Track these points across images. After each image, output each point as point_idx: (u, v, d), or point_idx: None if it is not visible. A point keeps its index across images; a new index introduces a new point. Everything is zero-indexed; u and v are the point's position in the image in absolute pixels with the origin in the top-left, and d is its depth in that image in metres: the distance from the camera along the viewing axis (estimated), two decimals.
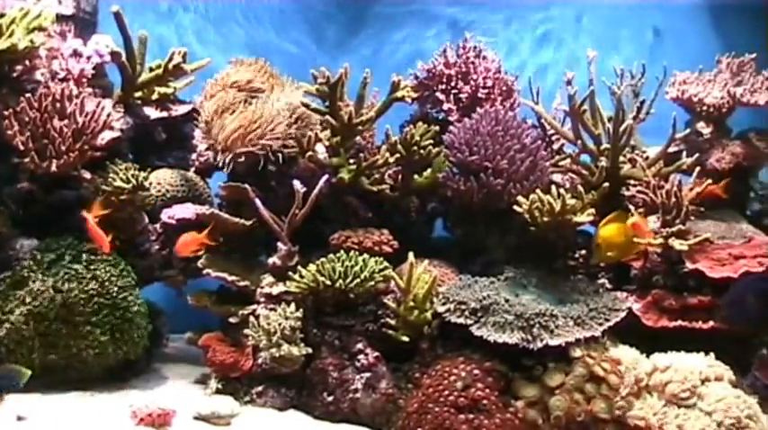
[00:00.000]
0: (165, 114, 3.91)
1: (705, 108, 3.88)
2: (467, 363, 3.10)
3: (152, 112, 3.88)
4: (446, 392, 2.98)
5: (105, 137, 3.53)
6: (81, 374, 3.30)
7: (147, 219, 3.67)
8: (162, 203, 3.69)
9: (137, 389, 3.40)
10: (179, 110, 3.96)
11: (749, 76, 3.92)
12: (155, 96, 3.85)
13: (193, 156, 3.94)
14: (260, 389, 3.32)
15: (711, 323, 3.32)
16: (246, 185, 3.53)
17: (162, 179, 3.76)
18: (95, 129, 3.38)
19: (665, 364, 3.12)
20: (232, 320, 3.46)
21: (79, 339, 3.25)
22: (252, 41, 4.45)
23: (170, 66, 3.76)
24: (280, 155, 3.63)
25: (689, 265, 3.42)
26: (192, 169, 3.93)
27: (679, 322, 3.35)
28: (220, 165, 3.62)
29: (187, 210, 3.58)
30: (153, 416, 2.97)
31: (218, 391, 3.34)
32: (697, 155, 3.72)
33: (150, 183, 3.60)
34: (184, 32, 4.48)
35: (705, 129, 3.88)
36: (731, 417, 2.96)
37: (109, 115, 3.48)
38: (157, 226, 3.68)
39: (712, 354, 3.19)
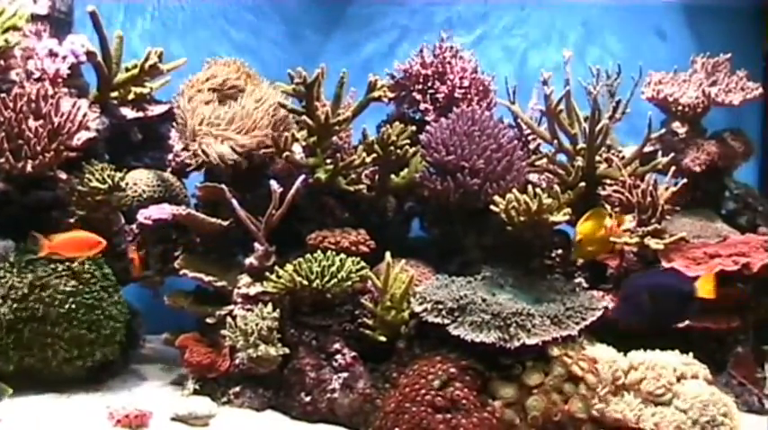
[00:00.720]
0: (141, 114, 3.90)
1: (680, 108, 3.91)
2: (444, 363, 3.10)
3: (128, 113, 3.87)
4: (423, 392, 2.98)
5: (81, 137, 3.51)
6: (57, 376, 3.29)
7: (123, 220, 3.66)
8: (138, 204, 3.68)
9: (113, 390, 3.39)
10: (155, 110, 3.95)
11: (724, 77, 3.95)
12: (131, 96, 3.84)
13: (170, 156, 3.92)
14: (237, 389, 3.32)
15: (687, 321, 3.34)
16: (223, 186, 3.52)
17: (138, 179, 3.75)
18: (71, 129, 3.37)
19: (641, 362, 3.14)
20: (209, 321, 3.45)
21: (56, 339, 3.24)
22: (228, 41, 4.44)
23: (146, 66, 3.75)
24: (256, 155, 3.64)
25: (665, 264, 3.44)
26: (169, 169, 3.91)
27: None
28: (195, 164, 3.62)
29: (163, 211, 3.57)
30: (130, 418, 2.96)
31: (195, 392, 3.33)
32: (672, 154, 3.74)
33: (126, 184, 3.60)
34: (160, 32, 4.45)
35: (680, 128, 3.91)
36: (706, 415, 2.98)
37: (85, 115, 3.47)
38: (134, 226, 3.67)
39: (691, 353, 3.21)
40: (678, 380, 3.10)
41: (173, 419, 3.09)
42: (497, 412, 2.99)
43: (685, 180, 3.62)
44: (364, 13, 4.53)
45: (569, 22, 4.58)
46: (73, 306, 3.26)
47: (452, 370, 3.05)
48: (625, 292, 3.16)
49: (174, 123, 3.78)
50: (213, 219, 3.57)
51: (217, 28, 4.48)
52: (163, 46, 3.82)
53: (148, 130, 3.98)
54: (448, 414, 2.92)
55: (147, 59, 3.74)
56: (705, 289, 2.95)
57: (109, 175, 3.46)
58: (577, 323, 3.22)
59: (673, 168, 3.62)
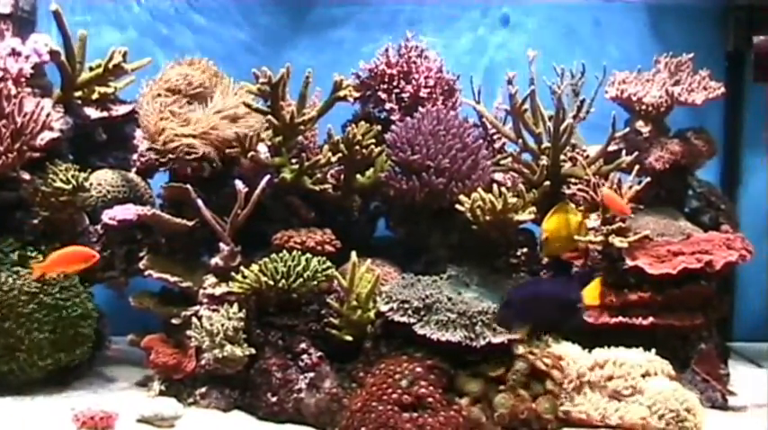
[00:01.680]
0: (105, 114, 3.87)
1: (644, 107, 3.92)
2: (410, 362, 3.11)
3: (92, 112, 3.84)
4: (390, 391, 2.98)
5: (45, 137, 3.48)
6: (21, 378, 3.27)
7: (87, 221, 3.63)
8: (103, 204, 3.65)
9: (78, 393, 3.37)
10: (120, 110, 3.92)
11: (687, 76, 3.97)
12: (95, 96, 3.81)
13: (134, 156, 3.90)
14: (203, 390, 3.30)
15: (651, 319, 3.37)
16: (188, 186, 3.51)
17: (102, 180, 3.72)
18: (34, 129, 3.34)
19: (605, 360, 3.16)
20: (174, 322, 3.44)
21: (19, 341, 3.22)
22: (193, 41, 4.42)
23: (110, 65, 3.73)
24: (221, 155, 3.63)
25: (629, 262, 3.45)
26: (134, 170, 3.89)
27: (619, 318, 3.39)
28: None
29: (128, 211, 3.55)
30: (95, 420, 2.94)
31: (161, 393, 3.31)
32: (636, 153, 3.76)
33: (91, 184, 3.57)
34: (125, 31, 4.43)
35: (644, 127, 3.93)
36: (670, 410, 3.00)
37: (48, 115, 3.44)
38: (98, 227, 3.64)
39: (653, 350, 3.24)
40: (643, 377, 3.13)
41: (138, 421, 3.07)
42: (464, 410, 3.00)
43: (649, 179, 3.64)
44: (330, 12, 4.53)
45: (535, 22, 4.59)
46: (36, 307, 3.25)
47: (419, 369, 3.06)
48: (510, 298, 3.17)
49: (139, 123, 3.76)
50: (178, 220, 3.56)
51: (181, 27, 4.46)
52: (126, 45, 3.80)
53: (113, 130, 3.95)
54: (414, 412, 2.92)
55: (111, 59, 3.72)
56: (591, 296, 2.96)
57: (73, 176, 3.43)
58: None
59: (636, 167, 3.64)
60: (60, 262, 3.22)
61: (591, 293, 3.06)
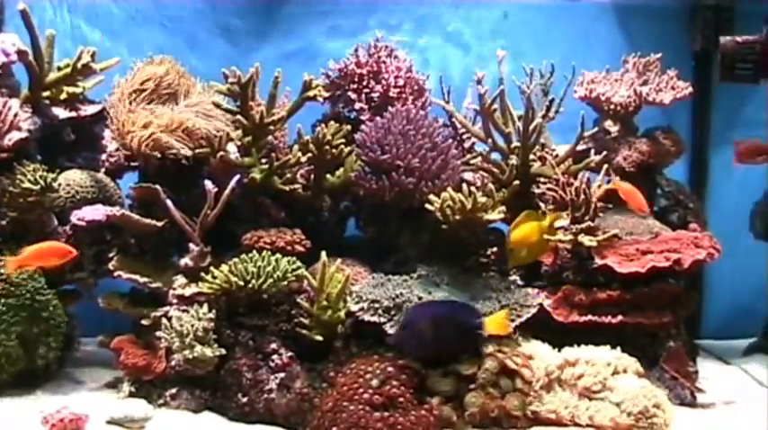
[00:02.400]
0: (74, 114, 3.84)
1: (612, 107, 3.95)
2: (381, 362, 3.11)
3: (61, 112, 3.81)
4: (361, 390, 2.99)
5: (13, 137, 3.46)
6: None
7: (56, 221, 3.61)
8: (71, 205, 3.63)
9: (48, 394, 3.35)
10: (88, 110, 3.89)
11: (655, 76, 4.00)
12: (63, 96, 3.79)
13: (103, 156, 3.88)
14: (173, 391, 3.29)
15: (620, 317, 3.39)
16: (157, 186, 3.50)
17: (71, 180, 3.70)
18: (2, 129, 3.33)
19: (575, 358, 3.18)
20: (144, 322, 3.43)
21: None
22: (162, 41, 4.40)
23: (79, 65, 3.71)
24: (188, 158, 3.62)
25: (598, 261, 3.48)
26: (102, 170, 3.87)
27: (589, 317, 3.41)
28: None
29: (97, 212, 3.53)
30: (65, 422, 2.93)
31: (131, 395, 3.29)
32: (605, 153, 3.78)
33: (59, 185, 3.55)
34: (95, 31, 4.41)
35: (612, 127, 3.96)
36: (639, 407, 3.02)
37: (16, 115, 3.43)
38: (67, 228, 3.62)
39: (618, 347, 3.26)
40: (612, 374, 3.15)
41: (108, 422, 3.05)
42: (435, 409, 3.01)
43: (618, 178, 3.66)
44: (299, 12, 4.52)
45: (503, 22, 4.61)
46: (4, 309, 3.23)
47: (390, 368, 3.06)
48: (408, 318, 3.12)
49: (107, 123, 3.74)
50: (148, 220, 3.54)
51: (149, 27, 4.44)
52: (93, 44, 3.78)
53: (81, 130, 3.92)
54: (386, 412, 2.93)
55: (79, 59, 3.70)
56: (494, 326, 2.95)
57: (41, 176, 3.41)
58: (513, 320, 3.25)
59: (605, 166, 3.66)
60: (37, 256, 3.22)
61: (495, 322, 3.03)
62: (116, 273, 3.47)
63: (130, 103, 3.66)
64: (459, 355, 3.06)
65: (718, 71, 3.06)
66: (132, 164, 3.78)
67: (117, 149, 3.74)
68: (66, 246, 3.29)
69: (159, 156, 3.57)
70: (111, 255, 3.56)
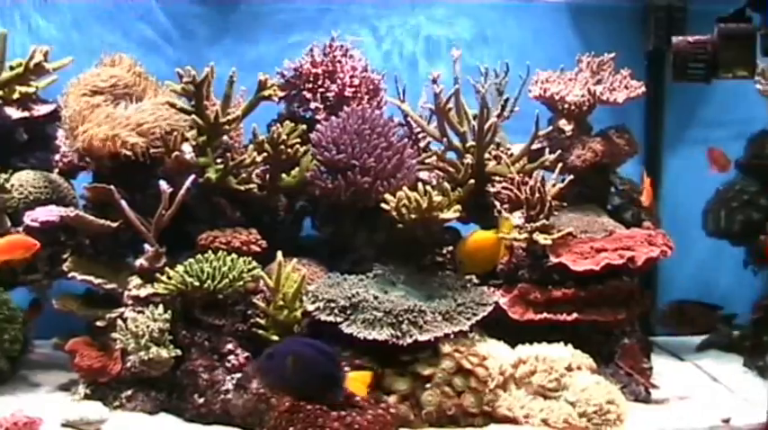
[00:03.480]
0: (26, 114, 3.81)
1: (566, 106, 3.97)
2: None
3: (13, 112, 3.78)
4: None
5: None
6: None
7: (9, 223, 3.58)
8: (24, 206, 3.60)
9: (1, 397, 3.33)
10: (41, 110, 3.87)
11: (608, 75, 4.03)
12: (16, 96, 3.75)
13: (57, 157, 3.85)
14: (129, 393, 3.27)
15: (575, 315, 3.41)
16: (112, 186, 3.48)
17: (24, 181, 3.67)
18: None
19: (530, 356, 3.20)
20: (99, 324, 3.41)
21: None
22: (117, 40, 4.37)
23: (31, 64, 3.68)
24: (146, 155, 3.60)
25: (553, 259, 3.50)
26: (56, 170, 3.84)
27: (544, 315, 3.43)
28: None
29: (51, 213, 3.50)
30: (19, 425, 2.90)
31: (86, 397, 3.27)
32: (559, 152, 3.80)
33: (12, 185, 3.53)
34: (48, 30, 4.37)
35: (567, 126, 3.97)
36: (593, 405, 3.05)
37: None
38: (20, 229, 3.59)
39: (570, 344, 3.29)
40: (567, 371, 3.18)
41: (63, 425, 3.03)
42: (392, 408, 3.02)
43: (572, 176, 3.69)
44: (254, 10, 4.50)
45: (458, 22, 4.62)
46: None
47: (346, 368, 3.06)
48: (272, 351, 3.00)
49: (61, 123, 3.72)
50: (102, 221, 3.52)
51: (103, 25, 4.40)
52: (48, 44, 3.75)
53: (34, 130, 3.89)
54: (342, 411, 2.93)
55: (32, 58, 3.67)
56: (354, 382, 2.92)
57: None
58: (468, 319, 3.27)
59: (560, 165, 3.69)
60: (4, 250, 3.20)
61: (356, 380, 2.99)
62: (70, 275, 3.45)
63: (82, 100, 3.63)
64: (317, 398, 2.93)
65: (670, 71, 3.08)
66: (86, 163, 3.75)
67: (74, 151, 3.71)
68: (30, 239, 3.27)
69: (110, 154, 3.54)
70: (65, 256, 3.53)
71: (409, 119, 3.95)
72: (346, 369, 2.95)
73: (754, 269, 4.14)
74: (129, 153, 3.54)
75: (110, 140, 3.51)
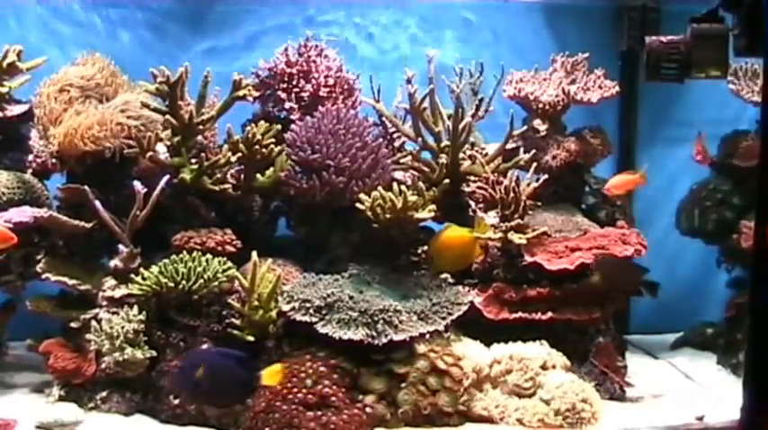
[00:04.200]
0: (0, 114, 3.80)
1: (541, 106, 3.98)
2: (313, 361, 3.12)
3: None
4: (295, 390, 2.99)
5: None
6: None
7: None
8: None
9: None
10: (14, 110, 3.83)
11: (582, 75, 4.05)
12: None
13: (30, 157, 3.83)
14: (104, 394, 3.26)
15: (550, 314, 3.42)
16: (86, 187, 3.47)
17: None
18: None
19: (505, 355, 3.21)
20: (73, 325, 3.39)
21: None
22: (90, 38, 4.35)
23: (4, 64, 3.66)
24: (119, 155, 3.59)
25: (528, 258, 3.51)
26: (29, 171, 3.82)
27: (519, 314, 3.44)
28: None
29: (24, 214, 3.48)
30: None
31: (60, 398, 3.25)
32: (534, 151, 3.82)
33: None
34: (21, 30, 4.34)
35: (541, 126, 3.99)
36: (567, 403, 3.06)
37: None
38: None
39: (544, 342, 3.33)
40: (542, 370, 3.19)
41: (38, 427, 3.03)
42: (368, 407, 3.02)
43: (546, 176, 3.70)
44: (229, 10, 4.49)
45: (432, 21, 4.62)
46: None
47: (322, 368, 3.07)
48: (184, 361, 3.03)
49: (35, 123, 3.70)
50: (76, 222, 3.51)
51: (77, 24, 4.38)
52: (21, 43, 3.73)
53: (7, 131, 3.86)
54: (319, 411, 2.93)
55: (4, 58, 3.65)
56: (269, 377, 2.92)
57: None
58: (444, 318, 3.28)
59: (534, 165, 3.70)
60: None
61: (270, 374, 3.00)
62: (44, 276, 3.43)
63: (56, 100, 3.61)
64: (234, 402, 3.01)
65: (644, 71, 3.10)
66: (60, 163, 3.73)
67: (44, 150, 3.69)
68: (6, 231, 3.24)
69: (81, 153, 3.53)
70: (39, 257, 3.51)
71: (384, 118, 3.95)
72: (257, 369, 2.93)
73: (728, 268, 4.17)
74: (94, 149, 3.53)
75: (83, 139, 3.50)
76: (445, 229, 3.44)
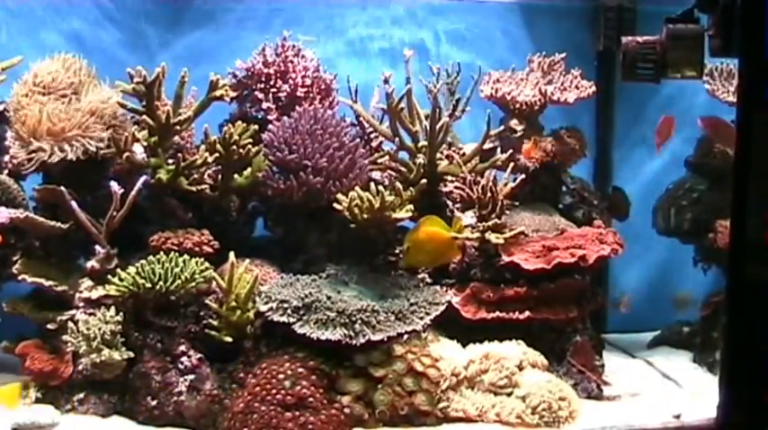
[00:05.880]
0: None
1: (518, 106, 3.99)
2: (291, 362, 3.12)
3: None
4: (273, 391, 2.99)
5: None
6: None
7: None
8: None
9: None
10: None
11: (559, 75, 4.05)
12: None
13: (6, 158, 3.81)
14: (81, 396, 3.25)
15: (527, 313, 3.43)
16: (62, 187, 3.45)
17: None
18: None
19: (482, 355, 3.22)
20: (50, 327, 3.37)
21: None
22: (65, 37, 4.33)
23: None
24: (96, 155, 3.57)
25: (505, 258, 3.52)
26: (5, 172, 3.79)
27: (497, 313, 3.45)
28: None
29: (0, 215, 3.47)
30: None
31: (37, 400, 3.24)
32: (511, 151, 3.83)
33: None
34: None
35: (518, 126, 3.99)
36: (544, 401, 3.07)
37: None
38: None
39: (521, 341, 3.33)
40: (519, 369, 3.20)
41: (14, 429, 3.01)
42: (346, 408, 3.02)
43: (523, 176, 3.72)
44: (206, 9, 4.47)
45: (410, 22, 4.62)
46: None
47: (300, 369, 3.07)
48: None
49: (9, 124, 3.68)
50: (52, 222, 3.49)
51: (52, 23, 4.36)
52: None
53: None
54: (297, 412, 2.93)
55: None
56: (3, 397, 2.92)
57: None
58: (421, 318, 3.29)
59: (511, 165, 3.71)
60: None
61: (4, 394, 3.00)
62: (20, 277, 3.41)
63: (28, 97, 3.60)
64: None
65: (620, 71, 3.11)
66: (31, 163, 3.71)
67: (30, 154, 3.67)
68: None
69: (49, 153, 3.52)
70: (15, 258, 3.49)
71: (361, 119, 3.95)
72: None
73: (704, 267, 4.19)
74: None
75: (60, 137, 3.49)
76: (424, 222, 3.42)
